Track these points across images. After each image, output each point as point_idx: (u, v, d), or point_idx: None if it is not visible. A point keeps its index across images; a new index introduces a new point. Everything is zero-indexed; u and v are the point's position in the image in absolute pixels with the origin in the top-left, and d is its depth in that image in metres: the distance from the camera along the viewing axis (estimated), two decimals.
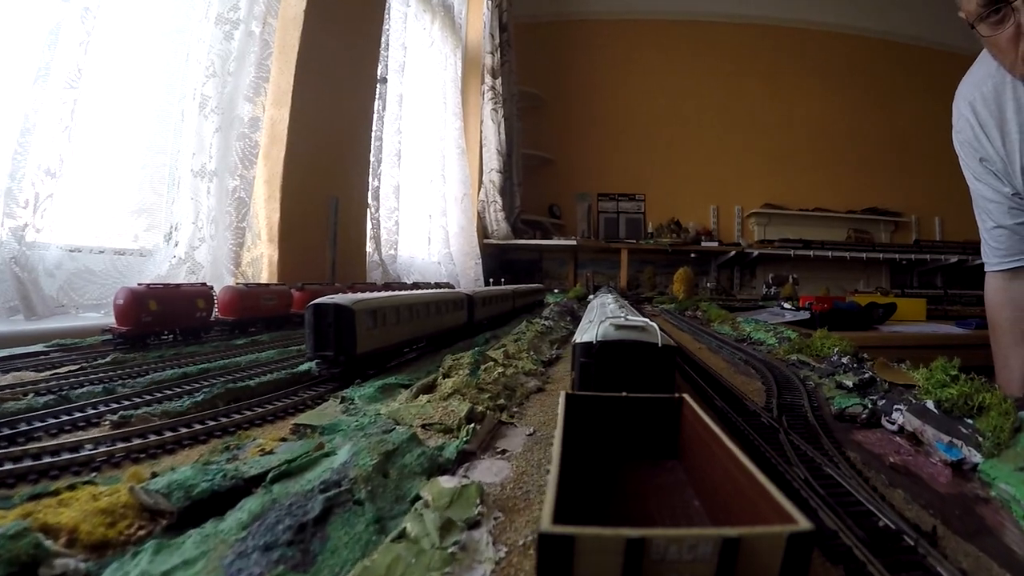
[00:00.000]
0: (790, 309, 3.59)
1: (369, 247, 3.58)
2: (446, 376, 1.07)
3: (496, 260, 6.05)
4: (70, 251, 2.00)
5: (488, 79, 5.65)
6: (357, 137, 3.36)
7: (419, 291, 1.61)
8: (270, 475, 0.56)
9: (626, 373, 0.77)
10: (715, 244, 6.43)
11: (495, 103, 5.61)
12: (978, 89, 1.77)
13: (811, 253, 6.20)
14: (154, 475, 0.56)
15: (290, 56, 2.78)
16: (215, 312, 1.77)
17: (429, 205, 4.65)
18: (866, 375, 1.15)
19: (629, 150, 6.89)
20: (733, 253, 6.38)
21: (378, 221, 3.61)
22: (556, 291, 5.44)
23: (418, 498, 0.53)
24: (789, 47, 7.02)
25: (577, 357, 0.81)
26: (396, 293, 1.39)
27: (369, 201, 3.56)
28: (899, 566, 0.46)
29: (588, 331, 0.84)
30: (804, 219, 6.81)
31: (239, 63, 2.62)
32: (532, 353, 1.42)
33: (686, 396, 0.65)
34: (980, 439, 0.72)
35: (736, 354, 1.76)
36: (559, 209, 6.83)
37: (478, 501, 0.53)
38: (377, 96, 3.76)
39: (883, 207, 6.92)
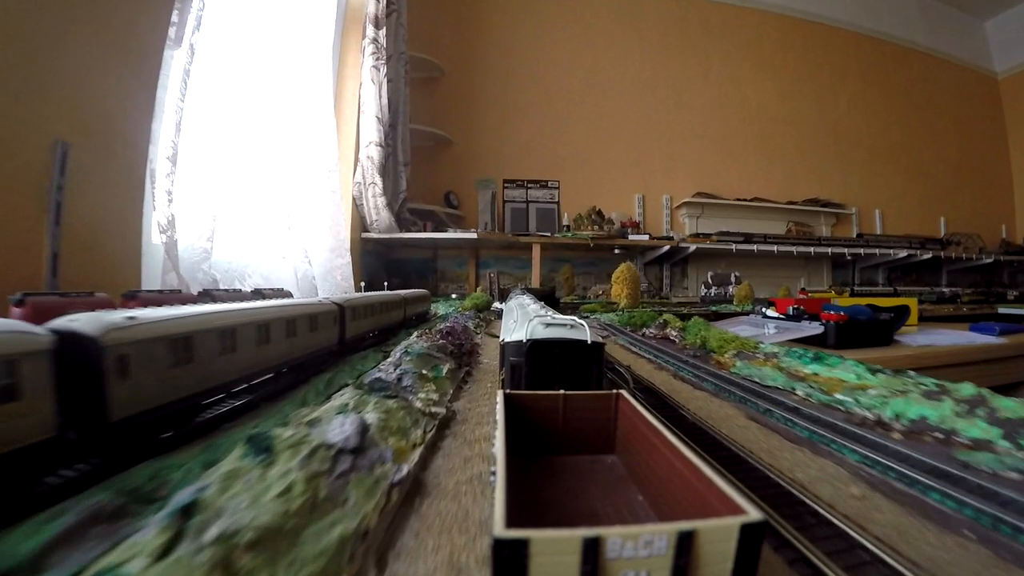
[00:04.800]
0: (776, 318, 2.61)
1: (160, 236, 2.29)
2: None
3: (380, 259, 4.89)
4: None
5: (370, 30, 4.43)
6: (126, 51, 2.05)
7: None
8: None
9: (557, 370, 0.76)
10: (645, 238, 5.50)
11: (377, 59, 4.39)
12: None
13: (754, 248, 5.52)
14: None
15: None
16: None
17: (275, 180, 3.35)
18: None
19: (541, 131, 5.94)
20: (666, 248, 5.51)
21: (171, 195, 2.32)
22: (455, 296, 4.46)
23: None
24: (721, 25, 6.45)
25: (507, 357, 0.80)
26: None
27: (159, 163, 2.28)
28: None
29: (516, 331, 0.85)
30: (740, 210, 6.17)
31: None
32: None
33: (623, 392, 0.65)
34: None
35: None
36: (457, 198, 5.71)
37: None
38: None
39: (824, 198, 6.49)
